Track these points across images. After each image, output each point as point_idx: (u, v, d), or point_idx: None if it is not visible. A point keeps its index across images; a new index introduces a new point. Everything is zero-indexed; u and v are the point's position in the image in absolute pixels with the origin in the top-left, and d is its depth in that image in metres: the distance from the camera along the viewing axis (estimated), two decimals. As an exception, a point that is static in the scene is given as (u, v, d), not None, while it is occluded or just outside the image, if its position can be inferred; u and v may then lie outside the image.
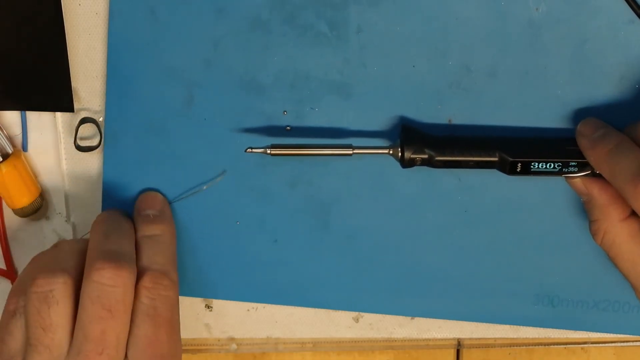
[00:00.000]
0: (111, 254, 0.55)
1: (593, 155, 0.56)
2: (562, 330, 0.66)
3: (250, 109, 0.61)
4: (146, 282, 0.56)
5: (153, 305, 0.56)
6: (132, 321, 0.55)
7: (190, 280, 0.65)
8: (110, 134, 0.62)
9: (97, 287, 0.54)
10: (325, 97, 0.60)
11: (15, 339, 0.55)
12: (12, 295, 0.58)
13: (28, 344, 0.54)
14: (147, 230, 0.60)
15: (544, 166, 0.57)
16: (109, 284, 0.54)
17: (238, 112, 0.61)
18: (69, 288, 0.55)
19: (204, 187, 0.62)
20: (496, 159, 0.58)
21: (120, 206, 0.63)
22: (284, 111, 0.61)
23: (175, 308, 0.57)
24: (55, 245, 0.61)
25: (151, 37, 0.60)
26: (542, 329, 0.65)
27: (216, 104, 0.61)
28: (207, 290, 0.65)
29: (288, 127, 0.61)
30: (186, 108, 0.61)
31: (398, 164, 0.59)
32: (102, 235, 0.58)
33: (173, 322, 0.57)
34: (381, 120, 0.60)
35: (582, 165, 0.57)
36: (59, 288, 0.54)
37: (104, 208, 0.64)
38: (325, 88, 0.60)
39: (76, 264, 0.57)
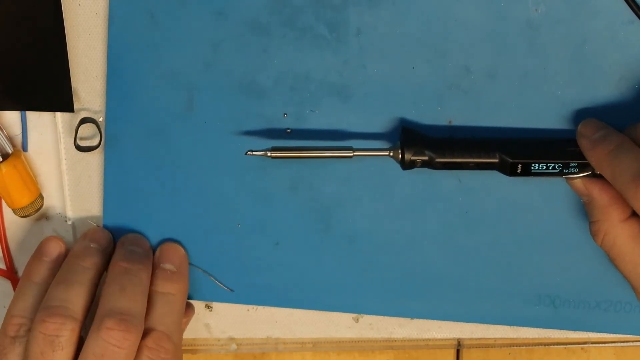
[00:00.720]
0: (123, 315, 0.57)
1: (594, 156, 0.56)
2: (562, 330, 0.66)
3: (250, 112, 0.61)
4: (149, 342, 0.58)
5: None
6: None
7: (192, 283, 0.65)
8: (111, 137, 0.62)
9: (103, 345, 0.56)
10: (325, 99, 0.61)
11: None
12: (13, 317, 0.59)
13: None
14: (163, 286, 0.61)
15: (545, 167, 0.58)
16: (115, 344, 0.56)
17: (238, 114, 0.61)
18: (75, 335, 0.57)
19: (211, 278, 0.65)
20: (496, 160, 0.58)
21: (122, 210, 0.64)
22: (284, 114, 0.61)
23: None
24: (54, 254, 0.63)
25: (151, 40, 0.60)
26: (542, 329, 0.66)
27: (216, 107, 0.61)
28: (209, 294, 0.66)
29: (288, 130, 0.61)
30: (186, 111, 0.61)
31: (398, 166, 0.59)
32: (118, 288, 0.59)
33: None
34: (381, 122, 0.61)
35: (583, 166, 0.57)
36: (66, 335, 0.56)
37: (105, 214, 0.64)
38: (325, 90, 0.61)
39: (85, 304, 0.59)
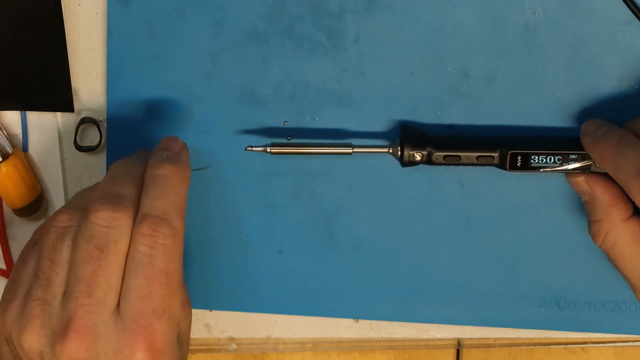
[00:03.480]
0: (111, 196, 0.55)
1: (597, 152, 0.58)
2: (565, 331, 0.68)
3: (251, 121, 0.63)
4: (143, 228, 0.55)
5: (149, 254, 0.55)
6: (126, 270, 0.55)
7: (195, 292, 0.66)
8: (113, 149, 0.64)
9: (92, 228, 0.54)
10: (325, 107, 0.63)
11: (28, 270, 0.57)
12: (40, 227, 0.59)
13: (34, 276, 0.56)
14: (156, 169, 0.58)
15: (544, 160, 0.59)
16: (104, 224, 0.54)
17: (238, 124, 0.63)
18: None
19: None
20: (496, 153, 0.60)
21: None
22: (285, 122, 0.63)
23: (173, 260, 0.56)
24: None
25: (150, 52, 0.62)
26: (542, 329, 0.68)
27: (216, 116, 0.63)
28: (213, 302, 0.68)
29: (289, 137, 0.62)
30: (187, 121, 0.63)
31: (400, 172, 0.62)
32: (108, 178, 0.58)
33: (170, 275, 0.55)
34: (382, 128, 0.63)
35: (583, 158, 0.59)
36: (77, 228, 0.56)
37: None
38: (324, 98, 0.62)
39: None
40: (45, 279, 0.55)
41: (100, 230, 0.54)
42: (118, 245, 0.54)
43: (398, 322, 0.69)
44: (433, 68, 0.62)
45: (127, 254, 0.55)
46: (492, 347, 0.70)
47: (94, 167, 0.67)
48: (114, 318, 0.54)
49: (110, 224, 0.55)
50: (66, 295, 0.54)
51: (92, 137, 0.66)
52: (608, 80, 0.61)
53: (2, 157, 0.64)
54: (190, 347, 0.70)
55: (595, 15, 0.60)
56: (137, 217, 0.56)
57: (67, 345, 0.53)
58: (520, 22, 0.61)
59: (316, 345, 0.70)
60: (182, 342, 0.59)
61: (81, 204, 0.57)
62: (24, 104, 0.65)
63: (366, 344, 0.70)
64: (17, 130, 0.66)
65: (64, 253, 0.55)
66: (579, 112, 0.62)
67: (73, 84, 0.64)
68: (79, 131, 0.65)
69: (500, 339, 0.69)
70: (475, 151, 0.60)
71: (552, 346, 0.69)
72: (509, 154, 0.60)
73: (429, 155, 0.61)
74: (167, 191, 0.57)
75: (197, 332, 0.70)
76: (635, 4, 0.60)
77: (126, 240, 0.55)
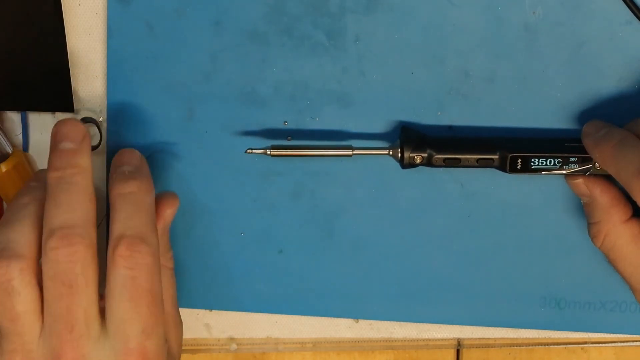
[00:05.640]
0: (63, 229, 0.54)
1: (598, 153, 0.58)
2: (565, 331, 0.68)
3: (251, 121, 0.63)
4: (122, 250, 0.54)
5: (131, 275, 0.54)
6: (109, 294, 0.54)
7: (195, 292, 0.67)
8: (113, 149, 0.64)
9: (54, 266, 0.53)
10: (325, 107, 0.63)
11: None
12: None
13: (1, 336, 0.55)
14: (121, 187, 0.57)
15: (544, 163, 0.60)
16: (64, 260, 0.53)
17: (238, 124, 0.63)
18: (27, 274, 0.54)
19: None
20: (496, 156, 0.60)
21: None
22: (285, 122, 0.63)
23: (155, 276, 0.55)
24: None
25: (150, 52, 0.62)
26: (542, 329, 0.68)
27: (216, 116, 0.63)
28: (213, 302, 0.68)
29: (289, 137, 0.63)
30: (187, 121, 0.63)
31: (400, 171, 0.62)
32: (52, 204, 0.55)
33: (154, 292, 0.55)
34: (382, 128, 0.63)
35: (582, 160, 0.59)
36: (17, 277, 0.54)
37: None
38: (324, 98, 0.62)
39: (31, 238, 0.56)
40: (14, 335, 0.55)
41: (62, 266, 0.54)
42: (86, 277, 0.54)
43: (398, 322, 0.69)
44: (433, 68, 0.62)
45: (107, 277, 0.55)
46: (492, 347, 0.70)
47: (94, 167, 0.64)
48: (102, 342, 0.54)
49: (71, 258, 0.54)
50: (46, 333, 0.54)
51: (92, 137, 0.64)
52: (608, 80, 0.62)
53: (2, 157, 0.64)
54: (190, 347, 0.70)
55: (595, 15, 0.60)
56: (111, 238, 0.55)
57: None
58: (520, 22, 0.61)
59: (316, 345, 0.70)
60: (172, 358, 0.59)
61: (3, 245, 0.55)
62: (24, 104, 0.65)
63: (366, 344, 0.70)
64: (17, 130, 0.66)
65: (18, 308, 0.54)
66: (579, 113, 0.62)
67: (73, 84, 0.64)
68: (78, 131, 0.65)
69: (500, 339, 0.69)
70: (475, 154, 0.61)
71: (552, 346, 0.70)
72: (509, 157, 0.60)
73: (429, 157, 0.61)
74: (138, 208, 0.57)
75: (197, 332, 0.70)
76: (635, 4, 0.60)
77: (92, 268, 0.55)
